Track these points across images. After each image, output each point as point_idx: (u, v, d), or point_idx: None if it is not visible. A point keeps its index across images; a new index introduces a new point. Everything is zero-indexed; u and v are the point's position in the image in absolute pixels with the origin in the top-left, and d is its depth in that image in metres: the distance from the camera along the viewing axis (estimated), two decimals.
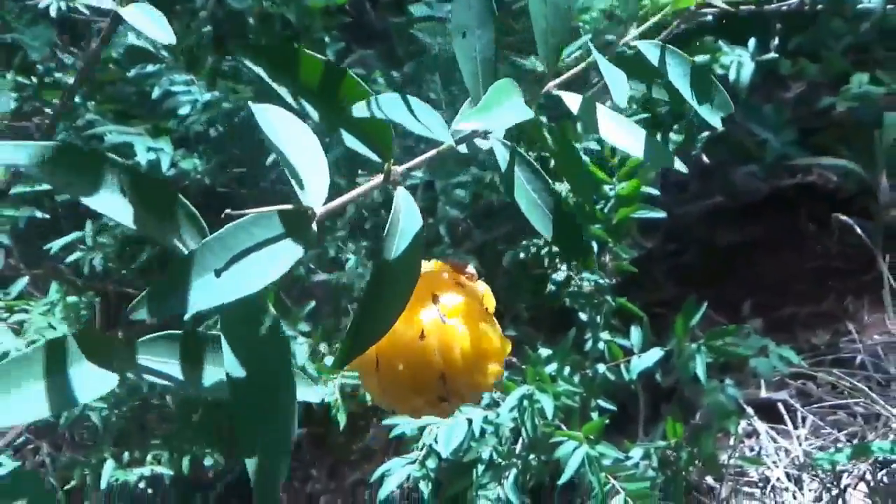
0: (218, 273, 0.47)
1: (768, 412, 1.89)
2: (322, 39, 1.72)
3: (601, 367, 1.49)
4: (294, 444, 1.90)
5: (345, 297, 1.66)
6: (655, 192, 1.50)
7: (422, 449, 1.41)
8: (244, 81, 1.70)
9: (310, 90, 0.50)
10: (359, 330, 0.49)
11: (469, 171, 1.69)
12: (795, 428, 1.86)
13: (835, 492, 1.71)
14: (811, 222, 2.17)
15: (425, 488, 1.41)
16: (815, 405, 1.90)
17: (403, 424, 1.40)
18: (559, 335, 1.76)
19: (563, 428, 1.39)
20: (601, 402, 1.47)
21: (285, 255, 0.49)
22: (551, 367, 1.42)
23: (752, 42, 1.67)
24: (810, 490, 1.75)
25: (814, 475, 1.76)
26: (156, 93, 1.61)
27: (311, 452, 1.97)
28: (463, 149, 0.52)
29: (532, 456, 1.44)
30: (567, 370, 1.43)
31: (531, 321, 1.85)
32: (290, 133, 0.54)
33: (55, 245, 1.58)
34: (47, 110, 1.71)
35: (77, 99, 1.71)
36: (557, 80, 0.54)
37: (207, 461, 1.60)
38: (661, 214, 1.45)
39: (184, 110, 1.61)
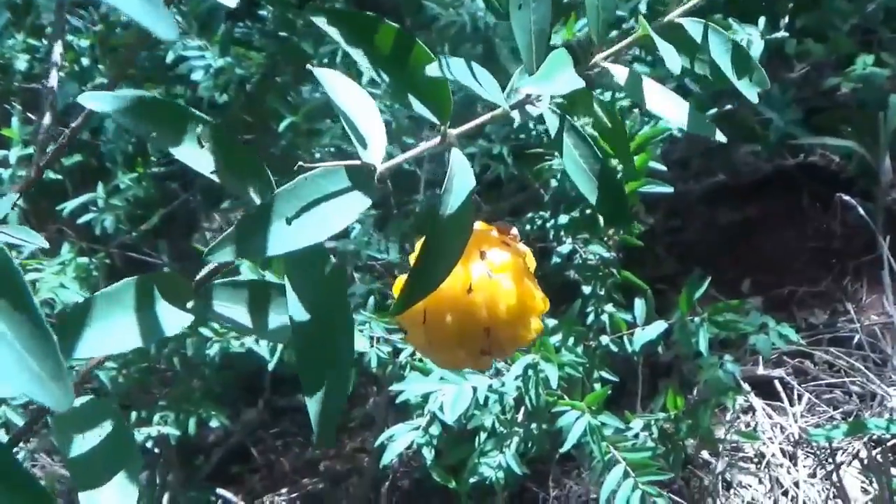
0: (289, 221, 0.51)
1: (765, 389, 1.95)
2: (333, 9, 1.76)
3: (604, 339, 1.53)
4: (294, 410, 1.95)
5: (350, 264, 1.70)
6: (662, 167, 1.54)
7: (425, 416, 1.46)
8: (256, 48, 1.74)
9: (382, 55, 0.55)
10: (416, 280, 0.54)
11: (477, 143, 1.73)
12: (791, 405, 1.91)
13: (829, 468, 1.77)
14: (812, 202, 2.22)
15: (429, 455, 1.46)
16: (812, 383, 1.95)
17: (408, 391, 1.44)
18: (560, 306, 1.81)
19: (566, 398, 1.44)
20: (603, 374, 1.51)
21: (351, 205, 0.54)
22: (556, 338, 1.46)
23: (762, 20, 1.72)
24: (805, 466, 1.81)
25: (809, 451, 1.82)
26: (169, 57, 1.65)
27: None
28: (516, 115, 0.56)
29: (534, 425, 1.49)
30: (571, 341, 1.47)
31: None
32: (350, 96, 0.59)
33: (69, 206, 1.62)
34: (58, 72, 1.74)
35: (87, 62, 1.75)
36: (605, 53, 0.58)
37: (214, 423, 1.64)
38: (668, 189, 1.49)
39: (196, 76, 1.65)
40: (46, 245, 0.62)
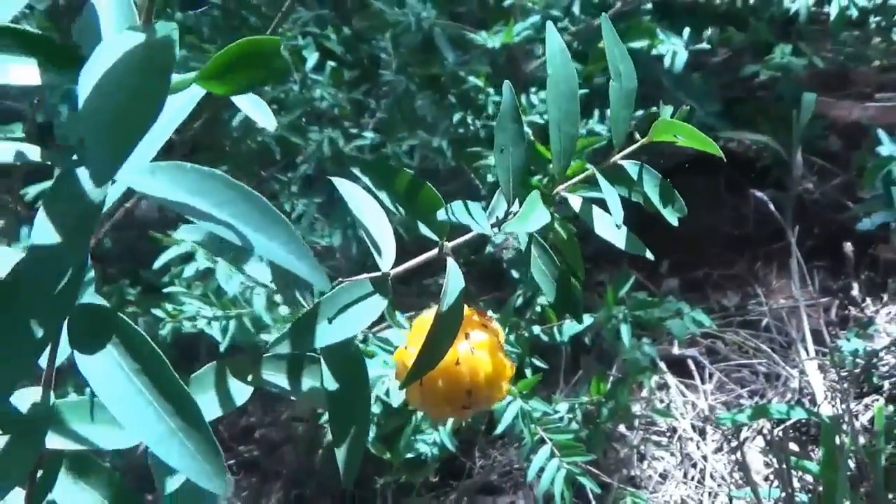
0: (330, 320, 0.74)
1: (679, 367, 2.20)
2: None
3: (536, 329, 1.77)
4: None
5: None
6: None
7: None
8: (207, 40, 1.91)
9: (399, 195, 0.78)
10: (421, 360, 0.77)
11: (417, 135, 1.94)
12: (703, 383, 2.18)
13: (734, 444, 2.04)
14: (729, 188, 2.48)
15: (370, 432, 1.70)
16: (722, 363, 2.22)
17: None
18: (488, 286, 2.05)
19: None
20: (534, 361, 1.75)
21: (374, 306, 0.76)
22: None
23: (686, 31, 1.96)
24: (713, 441, 2.08)
25: (716, 427, 2.10)
26: None
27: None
28: (496, 230, 0.79)
29: None
30: (506, 331, 1.71)
31: (464, 274, 2.12)
32: (366, 209, 0.81)
33: (31, 192, 1.79)
34: None
35: None
36: (564, 185, 0.82)
37: None
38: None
39: None
40: None
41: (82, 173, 0.52)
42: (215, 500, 0.75)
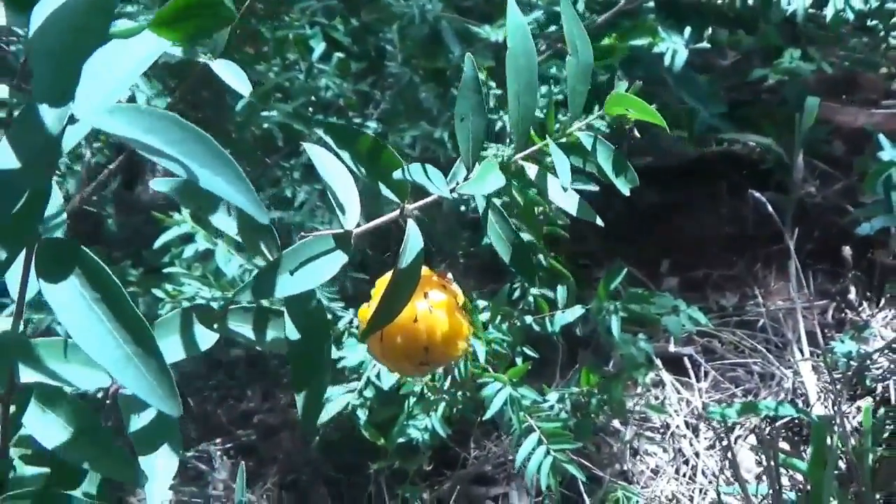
0: (292, 272, 0.79)
1: (675, 365, 2.24)
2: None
3: (528, 318, 1.81)
4: (230, 363, 2.20)
5: (296, 235, 1.96)
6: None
7: (361, 380, 1.74)
8: None
9: (361, 156, 0.83)
10: (379, 314, 0.82)
11: (419, 126, 1.99)
12: (698, 381, 2.22)
13: (725, 442, 2.08)
14: (731, 190, 2.52)
15: (363, 416, 1.74)
16: (718, 362, 2.26)
17: (349, 359, 1.71)
18: (489, 280, 2.09)
19: (491, 370, 1.71)
20: (525, 350, 1.79)
21: (335, 261, 0.82)
22: (485, 316, 1.74)
23: (687, 30, 2.00)
24: (705, 438, 2.12)
25: (709, 425, 2.14)
26: None
27: (247, 373, 2.27)
28: (454, 195, 0.84)
29: (459, 393, 1.77)
30: (498, 320, 1.75)
31: (464, 266, 2.17)
32: (334, 171, 0.86)
33: None
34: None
35: None
36: (522, 154, 0.87)
37: None
38: (594, 188, 1.76)
39: None
40: None
41: (43, 108, 0.57)
42: (176, 435, 0.80)
